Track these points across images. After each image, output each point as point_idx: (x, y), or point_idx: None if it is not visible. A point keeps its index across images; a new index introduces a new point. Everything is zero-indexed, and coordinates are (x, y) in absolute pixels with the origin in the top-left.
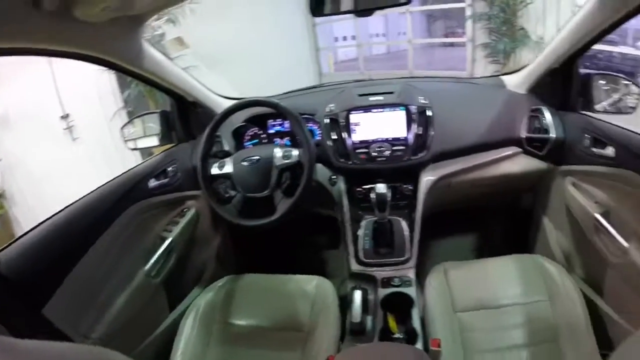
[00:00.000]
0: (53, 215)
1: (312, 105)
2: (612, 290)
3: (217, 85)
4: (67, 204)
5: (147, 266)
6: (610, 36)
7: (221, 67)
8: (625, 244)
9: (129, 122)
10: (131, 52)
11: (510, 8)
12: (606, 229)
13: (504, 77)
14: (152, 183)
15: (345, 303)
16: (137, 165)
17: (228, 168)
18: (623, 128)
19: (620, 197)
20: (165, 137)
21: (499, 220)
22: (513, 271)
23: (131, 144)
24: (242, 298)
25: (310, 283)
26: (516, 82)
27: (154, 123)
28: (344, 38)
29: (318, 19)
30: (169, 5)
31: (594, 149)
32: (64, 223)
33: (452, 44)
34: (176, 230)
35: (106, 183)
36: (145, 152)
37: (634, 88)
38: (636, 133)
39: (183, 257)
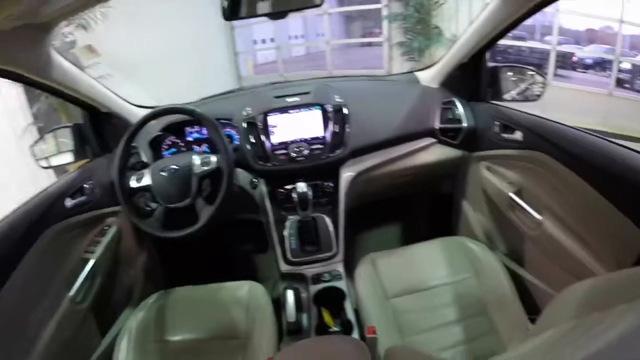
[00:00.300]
0: None
1: (229, 110)
2: (532, 260)
3: (132, 94)
4: None
5: (72, 292)
6: (520, 32)
7: (136, 74)
8: (539, 217)
9: (39, 139)
10: (38, 62)
11: (425, 8)
12: (521, 205)
13: (418, 73)
14: (69, 202)
15: (279, 304)
16: (50, 185)
17: (147, 180)
18: (528, 114)
19: (530, 176)
20: (79, 152)
21: (421, 207)
22: (438, 253)
23: (43, 163)
24: (175, 313)
25: (242, 289)
26: (429, 77)
27: (66, 138)
28: (263, 41)
29: (236, 22)
30: (77, 12)
31: (504, 135)
32: None
33: (369, 44)
34: (98, 250)
35: (18, 207)
36: (60, 170)
37: (538, 78)
38: (540, 117)
39: (109, 278)
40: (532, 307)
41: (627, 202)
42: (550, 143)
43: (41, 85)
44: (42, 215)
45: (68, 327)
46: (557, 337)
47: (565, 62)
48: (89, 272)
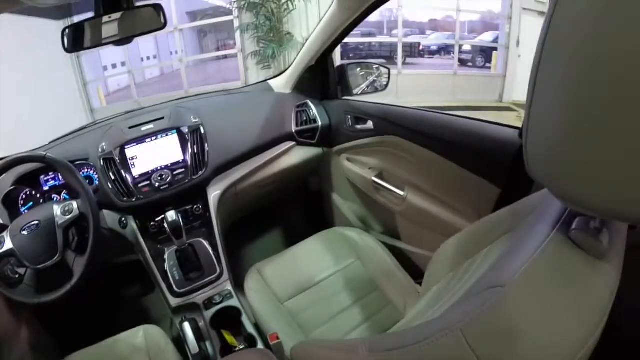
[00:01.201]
0: None
1: (83, 150)
2: (406, 232)
3: None
4: None
5: None
6: (369, 29)
7: None
8: (402, 193)
9: None
10: None
11: (275, 16)
12: (384, 186)
13: (271, 81)
14: None
15: (181, 340)
16: None
17: (8, 244)
18: (376, 103)
19: (388, 159)
20: None
21: (295, 209)
22: (319, 248)
23: None
24: None
25: (138, 335)
26: (281, 83)
27: None
28: (114, 66)
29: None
30: None
31: (357, 126)
32: None
33: (225, 57)
34: None
35: None
36: None
37: (383, 70)
38: (386, 105)
39: None
40: (416, 272)
41: (474, 162)
42: (398, 126)
43: None
44: None
45: None
46: (440, 290)
47: (413, 51)
48: None
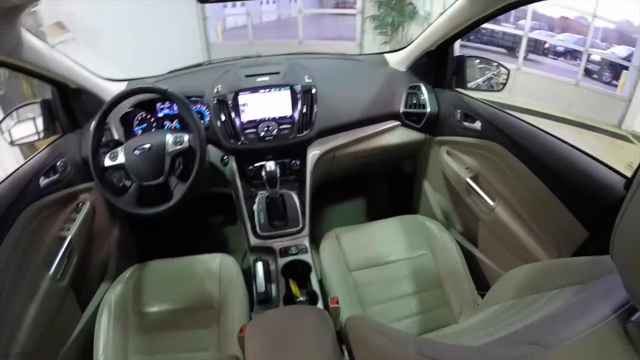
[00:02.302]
0: None
1: (199, 87)
2: (484, 241)
3: (101, 67)
4: None
5: (51, 271)
6: None
7: (105, 45)
8: (491, 203)
9: (6, 116)
10: (9, 45)
11: None
12: (476, 191)
13: (387, 55)
14: (43, 182)
15: (249, 275)
16: (22, 165)
17: (120, 158)
18: (488, 104)
19: (486, 164)
20: (49, 129)
21: (384, 185)
22: (398, 230)
23: (14, 139)
24: (151, 286)
25: (214, 261)
26: (397, 60)
27: (34, 114)
28: (234, 5)
29: None
30: None
31: (465, 123)
32: None
33: (342, 13)
34: (74, 227)
35: None
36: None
37: (503, 70)
38: (498, 109)
39: (85, 253)
40: (481, 283)
41: (570, 196)
42: (505, 135)
43: (12, 66)
44: (18, 196)
45: (50, 305)
46: (497, 313)
47: (537, 47)
48: (66, 250)
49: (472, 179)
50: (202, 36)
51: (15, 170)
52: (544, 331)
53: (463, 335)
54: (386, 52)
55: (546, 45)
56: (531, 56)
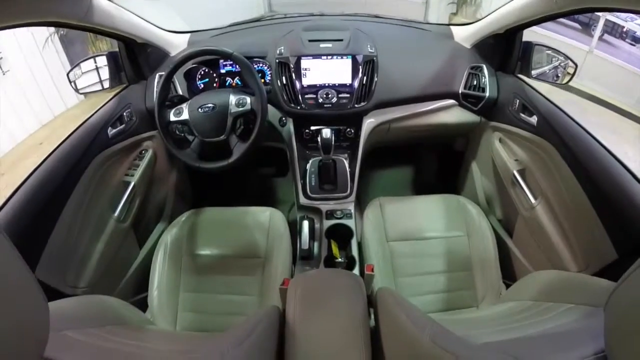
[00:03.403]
0: (28, 177)
1: (262, 48)
2: (519, 234)
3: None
4: (39, 163)
5: (116, 213)
6: None
7: None
8: (533, 200)
9: (75, 66)
10: (81, 10)
11: None
12: (520, 185)
13: (453, 28)
14: (111, 131)
15: (294, 228)
16: (92, 114)
17: (185, 115)
18: (548, 100)
19: (536, 161)
20: (114, 79)
21: (433, 158)
22: (439, 208)
23: (81, 88)
24: (204, 231)
25: (264, 214)
26: (463, 35)
27: (101, 65)
28: None
29: None
30: None
31: (522, 114)
32: (40, 184)
33: None
34: (137, 173)
35: (68, 137)
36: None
37: (570, 63)
38: (556, 107)
39: (145, 196)
40: (509, 273)
41: (609, 215)
42: (559, 137)
43: (82, 28)
44: (89, 145)
45: (113, 243)
46: (513, 311)
47: (615, 28)
48: (129, 194)
49: (519, 172)
50: None
51: (86, 120)
52: (533, 350)
53: (477, 325)
54: (453, 25)
55: (625, 29)
56: (607, 37)
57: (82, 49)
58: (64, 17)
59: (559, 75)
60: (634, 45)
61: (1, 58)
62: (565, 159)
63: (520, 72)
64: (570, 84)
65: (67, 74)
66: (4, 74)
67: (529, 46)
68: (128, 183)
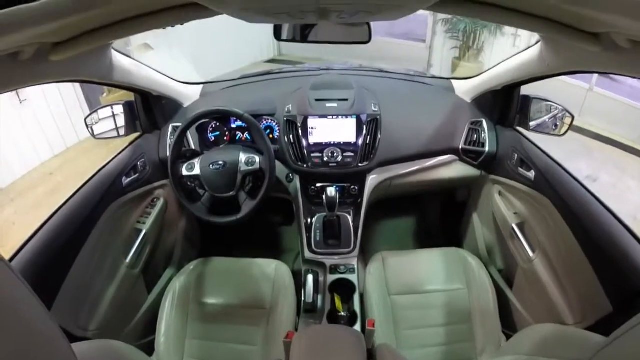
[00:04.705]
0: (47, 221)
1: (271, 104)
2: (519, 286)
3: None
4: (56, 209)
5: (128, 259)
6: None
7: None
8: (531, 254)
9: (93, 112)
10: (102, 69)
11: None
12: (519, 238)
13: (454, 82)
14: (125, 180)
15: (298, 278)
16: (108, 163)
17: (197, 170)
18: (545, 153)
19: (534, 214)
20: (130, 127)
21: (435, 209)
22: (440, 262)
23: (97, 134)
24: (212, 280)
25: (270, 266)
26: (464, 89)
27: (117, 112)
28: None
29: None
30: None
31: (520, 169)
32: (58, 229)
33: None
34: (149, 221)
35: (85, 184)
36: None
37: (567, 115)
38: (553, 161)
39: (155, 243)
40: (509, 324)
41: (604, 270)
42: (556, 192)
43: (104, 84)
44: (104, 194)
45: (123, 288)
46: None
47: None
48: (141, 241)
49: (518, 225)
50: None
51: (101, 168)
52: None
53: None
54: (454, 78)
55: None
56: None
57: (98, 86)
58: (88, 76)
59: (557, 124)
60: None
61: None
62: (562, 213)
63: (519, 125)
64: (574, 122)
65: (85, 119)
66: (21, 103)
67: (527, 100)
68: (140, 231)
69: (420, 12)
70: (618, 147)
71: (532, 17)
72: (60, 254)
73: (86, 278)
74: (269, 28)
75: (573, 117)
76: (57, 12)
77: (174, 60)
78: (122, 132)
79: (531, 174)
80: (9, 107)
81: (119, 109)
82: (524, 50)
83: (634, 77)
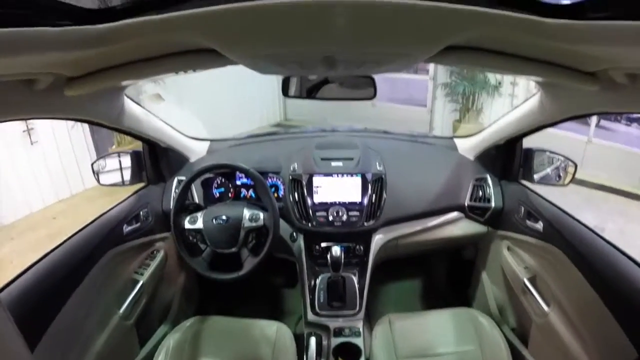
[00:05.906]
0: (39, 260)
1: (276, 162)
2: (534, 343)
3: (188, 122)
4: (51, 249)
5: (122, 310)
6: None
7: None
8: (546, 308)
9: (100, 158)
10: (113, 113)
11: None
12: (532, 293)
13: (457, 140)
14: (126, 228)
15: (300, 340)
16: (111, 209)
17: (199, 224)
18: (552, 204)
19: (545, 267)
20: (135, 176)
21: (442, 268)
22: (450, 323)
23: (102, 180)
24: (209, 339)
25: (271, 328)
26: (466, 147)
27: (124, 160)
28: None
29: None
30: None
31: (527, 222)
32: (50, 268)
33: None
34: (147, 273)
35: (85, 227)
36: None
37: (570, 164)
38: (561, 210)
39: (152, 296)
40: None
41: (625, 314)
42: (566, 241)
43: (112, 128)
44: (103, 239)
45: (114, 340)
46: None
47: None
48: (137, 292)
49: (530, 280)
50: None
51: (103, 214)
52: None
53: None
54: (456, 137)
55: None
56: (603, 123)
57: (107, 134)
58: (99, 117)
59: (561, 175)
60: (629, 126)
61: (32, 129)
62: (574, 261)
63: (524, 178)
64: (576, 175)
65: (92, 165)
66: (32, 144)
67: (530, 152)
68: (137, 281)
69: (421, 77)
70: (620, 194)
71: (532, 62)
72: (51, 293)
73: (75, 323)
74: (275, 92)
75: (576, 166)
76: (75, 42)
77: (184, 115)
78: (127, 180)
79: (539, 225)
80: (20, 147)
81: (126, 158)
82: (523, 103)
83: (633, 113)
